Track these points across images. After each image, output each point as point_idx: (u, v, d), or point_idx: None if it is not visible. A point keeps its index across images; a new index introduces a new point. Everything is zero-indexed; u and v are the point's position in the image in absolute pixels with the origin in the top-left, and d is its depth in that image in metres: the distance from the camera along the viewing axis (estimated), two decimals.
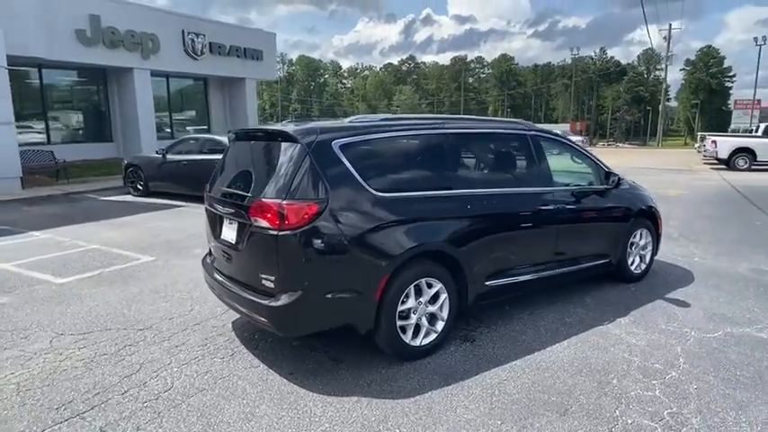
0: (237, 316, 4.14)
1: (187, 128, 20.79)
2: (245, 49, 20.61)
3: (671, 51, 47.93)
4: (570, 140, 4.93)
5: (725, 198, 11.78)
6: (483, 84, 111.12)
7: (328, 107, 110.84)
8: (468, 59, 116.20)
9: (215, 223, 3.65)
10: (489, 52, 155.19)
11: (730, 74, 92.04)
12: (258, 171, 3.52)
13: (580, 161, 5.05)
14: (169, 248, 6.50)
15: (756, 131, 21.16)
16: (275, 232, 3.00)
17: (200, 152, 10.40)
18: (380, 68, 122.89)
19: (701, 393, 3.07)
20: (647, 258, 5.33)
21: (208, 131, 20.00)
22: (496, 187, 3.92)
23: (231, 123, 21.46)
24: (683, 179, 15.73)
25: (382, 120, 3.65)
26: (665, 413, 2.86)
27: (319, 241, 2.95)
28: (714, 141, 19.15)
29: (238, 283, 3.40)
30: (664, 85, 56.98)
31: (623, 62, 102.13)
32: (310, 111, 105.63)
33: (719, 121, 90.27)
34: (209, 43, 19.12)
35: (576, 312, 4.38)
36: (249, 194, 3.26)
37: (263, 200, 3.11)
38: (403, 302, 3.32)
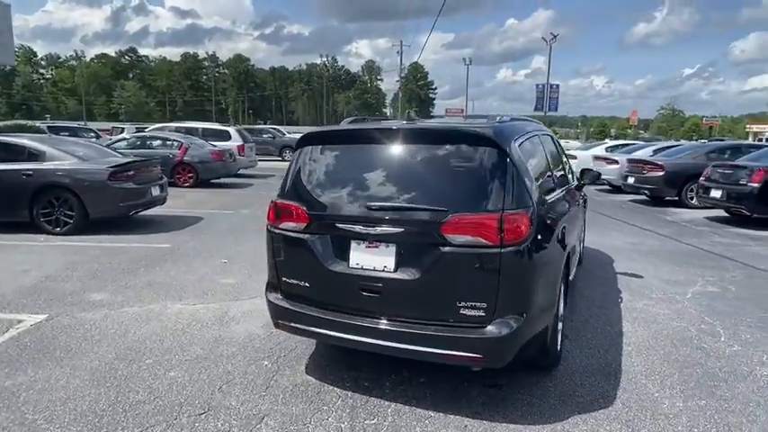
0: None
1: None
2: None
3: (403, 66, 56.07)
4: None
5: None
6: (219, 83, 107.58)
7: (22, 102, 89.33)
8: (201, 57, 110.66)
9: (328, 249, 3.00)
10: (216, 51, 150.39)
11: (433, 87, 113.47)
12: (433, 179, 2.92)
13: None
14: (53, 298, 4.63)
15: None
16: (496, 250, 2.65)
17: None
18: (93, 59, 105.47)
19: None
20: None
21: None
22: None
23: None
24: None
25: (513, 118, 3.54)
26: None
27: (536, 255, 2.79)
28: None
29: (403, 319, 2.83)
30: (400, 94, 66.16)
31: (352, 71, 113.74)
32: None
33: None
34: None
35: None
36: (440, 208, 2.73)
37: (474, 213, 2.69)
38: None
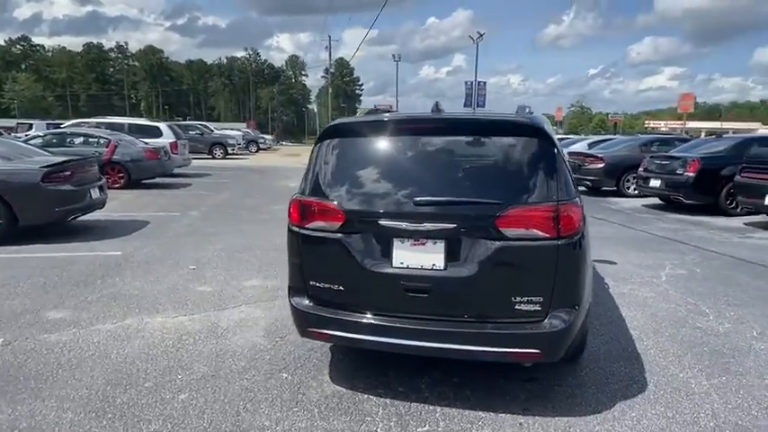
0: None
1: None
2: None
3: (330, 62, 55.47)
4: None
5: None
6: (130, 76, 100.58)
7: None
8: (107, 47, 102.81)
9: (368, 248, 2.79)
10: (122, 41, 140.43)
11: (359, 83, 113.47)
12: (481, 171, 2.87)
13: None
14: (2, 319, 3.96)
15: None
16: (553, 242, 2.60)
17: None
18: None
19: None
20: None
21: None
22: None
23: None
24: None
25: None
26: None
27: (584, 246, 2.76)
28: None
29: (455, 319, 2.73)
30: (329, 89, 65.35)
31: (276, 65, 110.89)
32: None
33: None
34: None
35: None
36: (495, 201, 2.64)
37: (531, 205, 2.63)
38: None
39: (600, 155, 12.36)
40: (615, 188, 12.19)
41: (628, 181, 11.90)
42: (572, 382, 3.15)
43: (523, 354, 2.66)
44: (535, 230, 2.60)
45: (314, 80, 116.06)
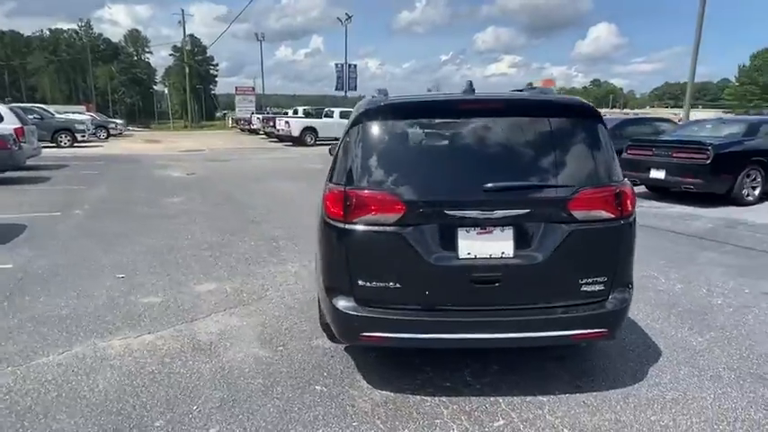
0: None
1: None
2: None
3: (185, 38, 50.86)
4: None
5: None
6: None
7: None
8: None
9: (431, 241, 2.58)
10: None
11: (214, 62, 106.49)
12: (544, 153, 2.72)
13: None
14: None
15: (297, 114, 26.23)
16: (617, 222, 2.65)
17: None
18: None
19: None
20: None
21: None
22: None
23: None
24: (296, 154, 18.51)
25: None
26: None
27: (635, 225, 2.79)
28: (288, 122, 23.14)
29: (525, 306, 2.67)
30: (187, 69, 59.96)
31: (113, 40, 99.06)
32: None
33: (209, 105, 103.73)
34: None
35: None
36: (567, 184, 2.61)
37: (599, 187, 2.63)
38: None
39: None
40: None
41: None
42: (598, 355, 3.32)
43: (591, 334, 2.72)
44: (602, 212, 2.65)
45: (159, 58, 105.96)
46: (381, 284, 2.64)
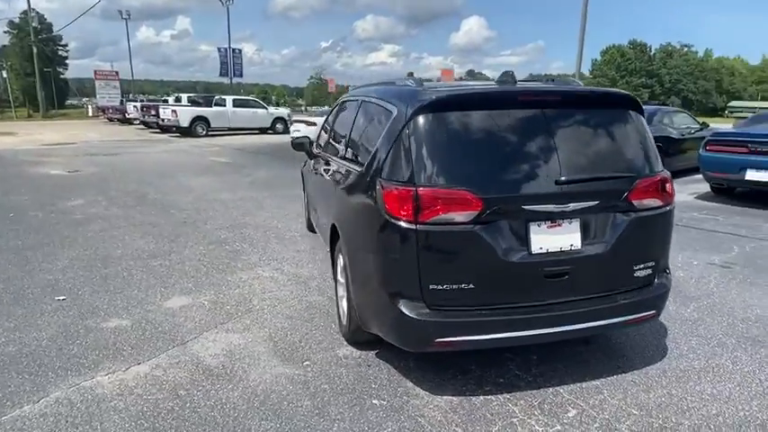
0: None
1: None
2: None
3: (32, 13, 44.18)
4: None
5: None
6: None
7: None
8: None
9: (505, 237, 2.53)
10: None
11: (62, 42, 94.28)
12: (603, 144, 2.78)
13: None
14: None
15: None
16: (665, 209, 2.83)
17: None
18: None
19: None
20: None
21: None
22: None
23: None
24: (191, 147, 17.08)
25: None
26: None
27: None
28: (174, 111, 21.28)
29: (589, 296, 2.71)
30: (34, 50, 52.05)
31: None
32: None
33: (60, 91, 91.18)
34: None
35: None
36: (629, 174, 2.71)
37: (653, 176, 2.78)
38: None
39: None
40: None
41: None
42: (616, 335, 3.51)
43: (643, 317, 2.87)
44: (654, 200, 2.80)
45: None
46: (454, 286, 2.52)
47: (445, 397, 2.78)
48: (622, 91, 3.07)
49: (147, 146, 18.17)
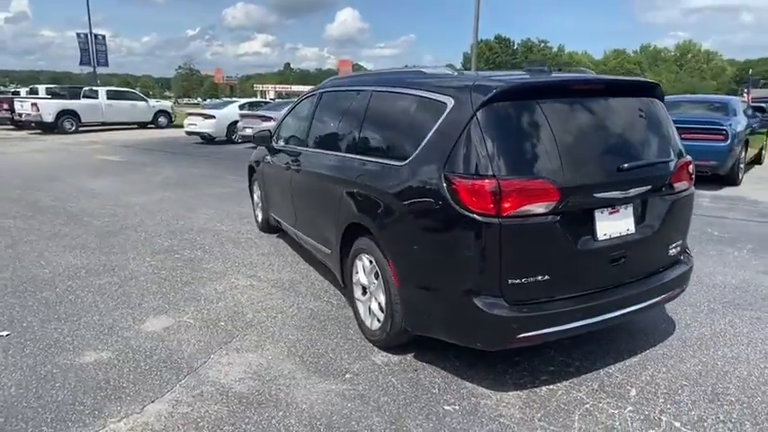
0: None
1: None
2: None
3: None
4: None
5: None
6: None
7: None
8: None
9: (576, 226, 2.55)
10: None
11: None
12: (645, 131, 2.92)
13: None
14: None
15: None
16: (690, 191, 3.05)
17: None
18: None
19: None
20: None
21: None
22: None
23: None
24: (66, 144, 14.95)
25: None
26: None
27: None
28: (35, 104, 18.54)
29: (638, 278, 2.83)
30: None
31: None
32: None
33: None
34: None
35: None
36: (671, 159, 2.87)
37: (683, 160, 2.98)
38: None
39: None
40: None
41: None
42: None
43: (676, 293, 3.08)
44: (686, 182, 3.01)
45: None
46: (531, 279, 2.49)
47: (511, 393, 2.74)
48: (651, 80, 3.24)
49: (9, 144, 15.67)
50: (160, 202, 7.49)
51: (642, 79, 3.25)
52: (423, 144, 2.71)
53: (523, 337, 2.51)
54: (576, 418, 2.53)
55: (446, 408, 2.61)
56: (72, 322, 3.52)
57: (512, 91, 2.53)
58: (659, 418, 2.52)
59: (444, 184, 2.50)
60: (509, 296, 2.47)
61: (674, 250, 3.02)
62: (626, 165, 2.65)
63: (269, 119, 14.54)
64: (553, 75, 2.96)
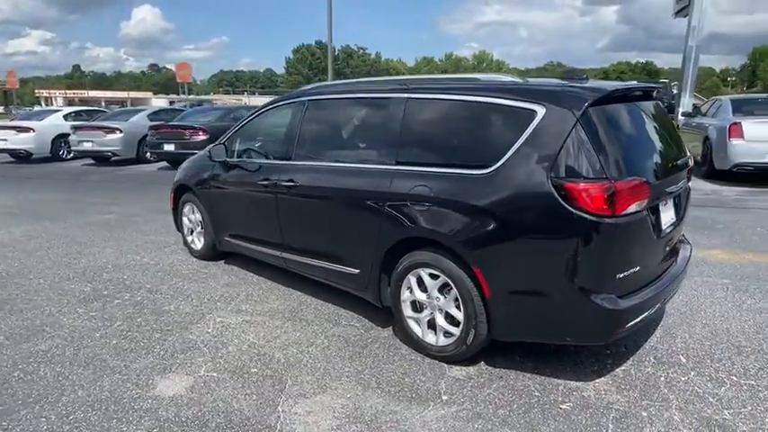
0: None
1: None
2: None
3: None
4: None
5: None
6: None
7: None
8: None
9: (655, 219, 2.87)
10: None
11: None
12: (668, 130, 3.33)
13: None
14: None
15: None
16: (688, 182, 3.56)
17: None
18: None
19: None
20: None
21: None
22: None
23: None
24: None
25: None
26: None
27: None
28: None
29: (675, 261, 3.29)
30: None
31: None
32: None
33: None
34: None
35: None
36: (690, 155, 3.39)
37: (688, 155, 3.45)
38: None
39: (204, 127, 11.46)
40: None
41: None
42: None
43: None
44: (689, 174, 3.52)
45: None
46: (629, 272, 2.72)
47: (599, 380, 2.93)
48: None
49: None
50: (34, 239, 6.11)
51: (653, 84, 3.75)
52: (512, 151, 2.74)
53: (629, 327, 2.73)
54: (665, 390, 2.81)
55: (562, 407, 2.69)
56: (42, 405, 2.73)
57: (606, 97, 2.73)
58: (720, 377, 2.94)
59: (553, 190, 2.57)
60: (618, 290, 2.67)
61: (682, 235, 3.55)
62: (680, 162, 3.07)
63: (114, 130, 12.80)
64: (590, 82, 3.23)
